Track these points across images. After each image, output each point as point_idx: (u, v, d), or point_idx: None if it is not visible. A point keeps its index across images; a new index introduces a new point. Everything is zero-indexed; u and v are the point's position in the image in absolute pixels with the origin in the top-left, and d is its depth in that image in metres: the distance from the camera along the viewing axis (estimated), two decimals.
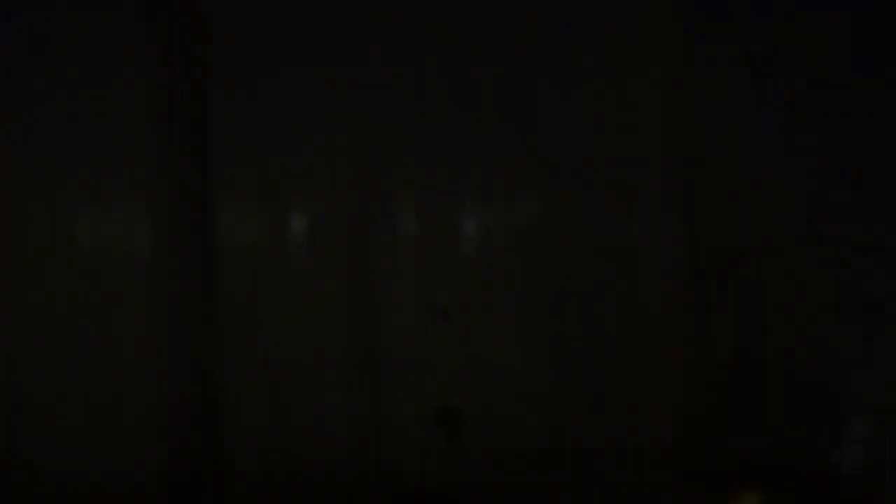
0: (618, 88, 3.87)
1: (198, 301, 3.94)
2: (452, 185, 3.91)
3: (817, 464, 3.76)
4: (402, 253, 3.94)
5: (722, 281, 3.88)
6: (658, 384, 3.90)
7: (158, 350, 3.90)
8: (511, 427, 3.91)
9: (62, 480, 3.85)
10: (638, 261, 3.90)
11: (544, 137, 3.88)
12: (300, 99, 3.89)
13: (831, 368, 3.81)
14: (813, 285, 3.83)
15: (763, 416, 3.83)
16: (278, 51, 3.88)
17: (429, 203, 3.92)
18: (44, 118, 3.86)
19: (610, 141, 3.88)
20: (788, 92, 3.81)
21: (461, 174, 3.91)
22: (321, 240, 3.94)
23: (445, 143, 3.90)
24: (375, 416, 3.95)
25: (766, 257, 3.86)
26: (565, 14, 3.86)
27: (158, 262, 3.90)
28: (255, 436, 3.93)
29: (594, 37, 3.86)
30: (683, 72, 3.84)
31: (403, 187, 3.92)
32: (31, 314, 3.87)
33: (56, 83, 3.85)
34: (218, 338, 3.93)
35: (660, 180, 3.88)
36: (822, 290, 3.82)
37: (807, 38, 3.81)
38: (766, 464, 3.77)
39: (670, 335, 3.89)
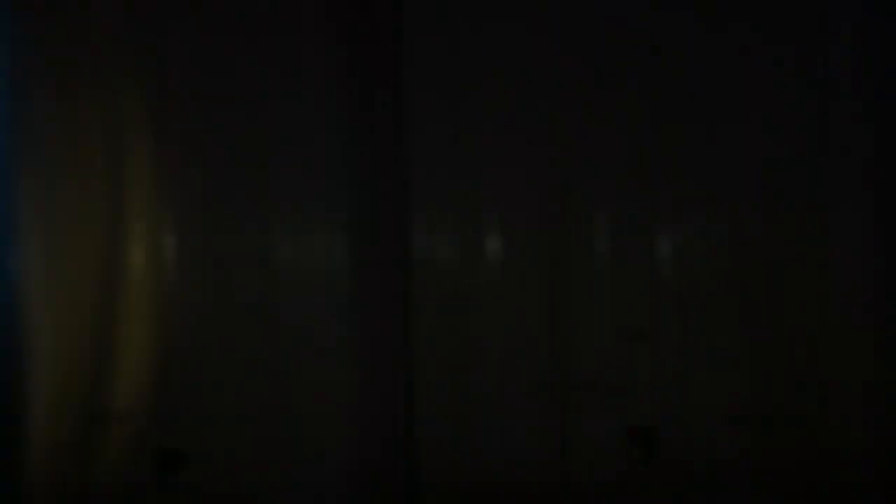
0: (810, 105, 3.87)
1: (396, 321, 3.98)
2: (647, 205, 3.92)
3: None
4: (596, 273, 3.94)
5: None
6: (855, 406, 3.82)
7: (353, 367, 3.94)
8: (706, 447, 3.86)
9: (252, 494, 3.89)
10: (833, 281, 3.85)
11: (739, 156, 3.88)
12: (498, 118, 3.93)
13: None
14: None
15: None
16: (476, 67, 3.94)
17: (623, 223, 3.93)
18: (243, 138, 3.96)
19: (805, 159, 3.87)
20: None
21: (656, 194, 3.91)
22: (515, 260, 3.96)
23: (640, 163, 3.91)
24: (569, 437, 3.93)
25: None
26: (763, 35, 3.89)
27: (355, 281, 3.96)
28: (447, 453, 3.93)
29: (792, 52, 3.88)
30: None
31: (598, 208, 3.94)
32: (230, 332, 3.94)
33: (259, 104, 3.96)
34: (411, 357, 3.96)
35: (855, 199, 3.85)
36: None
37: None
38: None
39: (869, 357, 3.82)
